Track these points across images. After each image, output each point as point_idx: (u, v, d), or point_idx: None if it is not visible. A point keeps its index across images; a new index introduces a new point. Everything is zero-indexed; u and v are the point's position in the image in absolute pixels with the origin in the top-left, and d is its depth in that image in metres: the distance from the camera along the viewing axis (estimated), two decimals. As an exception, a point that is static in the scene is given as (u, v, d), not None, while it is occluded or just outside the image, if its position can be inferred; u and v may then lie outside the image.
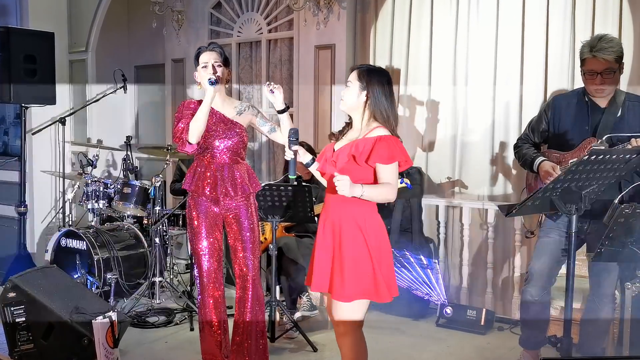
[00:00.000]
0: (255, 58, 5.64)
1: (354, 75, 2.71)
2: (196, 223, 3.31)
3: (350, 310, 2.64)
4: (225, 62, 3.32)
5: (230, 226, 3.34)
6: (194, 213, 3.32)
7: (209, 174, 3.27)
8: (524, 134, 3.44)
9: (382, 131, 2.63)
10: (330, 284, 2.64)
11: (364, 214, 2.63)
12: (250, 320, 3.32)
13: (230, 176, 3.27)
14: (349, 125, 2.80)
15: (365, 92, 2.66)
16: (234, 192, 3.27)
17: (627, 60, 3.47)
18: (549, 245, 3.21)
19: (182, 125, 3.21)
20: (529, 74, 4.32)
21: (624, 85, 3.79)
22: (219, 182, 3.25)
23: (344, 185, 2.47)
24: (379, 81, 2.67)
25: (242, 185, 3.28)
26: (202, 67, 3.26)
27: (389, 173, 2.59)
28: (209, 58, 3.26)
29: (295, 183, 3.83)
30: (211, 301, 3.32)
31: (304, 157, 2.81)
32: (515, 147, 3.45)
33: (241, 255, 3.31)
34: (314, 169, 2.86)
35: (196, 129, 3.15)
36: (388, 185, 2.58)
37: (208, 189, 3.26)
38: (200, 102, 3.27)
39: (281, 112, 3.10)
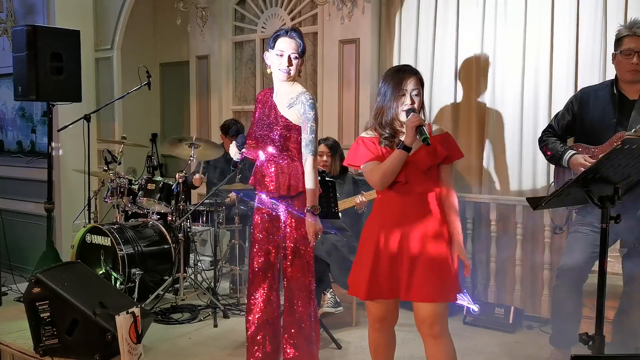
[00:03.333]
0: (279, 54, 5.60)
1: (418, 82, 2.60)
2: (254, 217, 3.22)
3: (447, 308, 2.60)
4: (302, 53, 3.06)
5: (279, 224, 3.16)
6: (255, 206, 3.23)
7: (256, 166, 3.18)
8: (549, 126, 3.35)
9: (441, 127, 2.69)
10: (419, 288, 2.51)
11: (440, 211, 2.61)
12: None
13: (268, 171, 3.09)
14: (396, 131, 2.62)
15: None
16: (274, 188, 3.07)
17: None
18: (581, 241, 3.12)
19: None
20: (559, 69, 4.20)
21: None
22: (258, 175, 3.14)
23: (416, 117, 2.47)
24: None
25: (275, 185, 3.07)
26: (278, 54, 3.02)
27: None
28: (287, 47, 3.00)
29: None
30: (259, 302, 3.16)
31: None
32: (541, 141, 3.35)
33: (286, 259, 3.12)
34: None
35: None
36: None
37: (253, 182, 3.18)
38: (271, 90, 3.17)
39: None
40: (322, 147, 4.43)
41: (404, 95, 2.56)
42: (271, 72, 3.13)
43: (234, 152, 3.13)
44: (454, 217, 2.62)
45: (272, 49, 3.05)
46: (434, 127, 2.66)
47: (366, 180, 2.69)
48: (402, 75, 2.57)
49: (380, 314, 2.68)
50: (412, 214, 2.57)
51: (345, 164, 2.88)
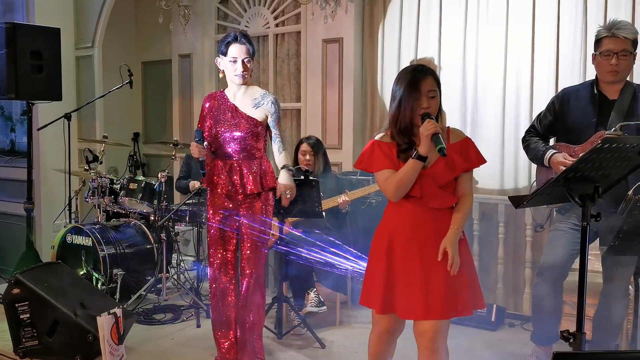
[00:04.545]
0: (262, 52, 5.59)
1: (434, 83, 2.39)
2: (210, 216, 3.27)
3: (449, 322, 2.47)
4: (253, 56, 3.19)
5: (243, 219, 3.26)
6: (209, 206, 3.29)
7: (218, 169, 3.22)
8: (531, 126, 3.38)
9: (460, 131, 2.58)
10: (434, 303, 2.38)
11: None
12: (243, 315, 3.27)
13: (238, 172, 3.18)
14: (412, 139, 2.42)
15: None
16: (242, 189, 3.18)
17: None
18: (561, 239, 3.14)
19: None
20: (540, 69, 4.25)
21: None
22: (226, 177, 3.19)
23: (431, 124, 2.30)
24: None
25: (251, 183, 3.18)
26: (231, 61, 3.12)
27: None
28: (239, 53, 3.10)
29: (302, 177, 3.77)
30: (218, 292, 3.30)
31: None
32: (524, 140, 3.38)
33: (247, 250, 3.24)
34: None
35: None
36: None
37: (218, 185, 3.20)
38: (222, 92, 3.27)
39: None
40: (305, 146, 4.43)
41: (419, 98, 2.35)
42: (224, 77, 3.22)
43: (198, 150, 3.08)
44: (457, 214, 2.45)
45: (225, 55, 3.15)
46: (453, 133, 2.48)
47: (380, 189, 2.51)
48: (415, 76, 2.36)
49: (392, 326, 2.57)
50: (427, 230, 2.41)
51: (357, 167, 2.61)
